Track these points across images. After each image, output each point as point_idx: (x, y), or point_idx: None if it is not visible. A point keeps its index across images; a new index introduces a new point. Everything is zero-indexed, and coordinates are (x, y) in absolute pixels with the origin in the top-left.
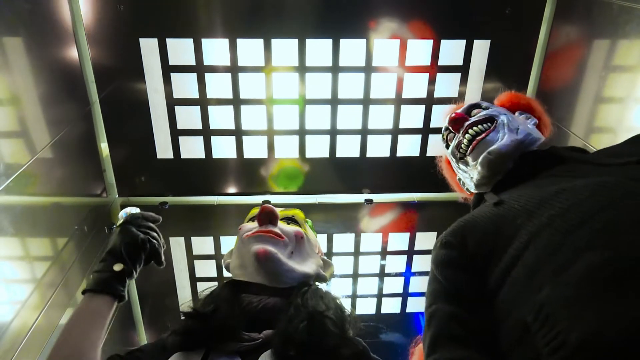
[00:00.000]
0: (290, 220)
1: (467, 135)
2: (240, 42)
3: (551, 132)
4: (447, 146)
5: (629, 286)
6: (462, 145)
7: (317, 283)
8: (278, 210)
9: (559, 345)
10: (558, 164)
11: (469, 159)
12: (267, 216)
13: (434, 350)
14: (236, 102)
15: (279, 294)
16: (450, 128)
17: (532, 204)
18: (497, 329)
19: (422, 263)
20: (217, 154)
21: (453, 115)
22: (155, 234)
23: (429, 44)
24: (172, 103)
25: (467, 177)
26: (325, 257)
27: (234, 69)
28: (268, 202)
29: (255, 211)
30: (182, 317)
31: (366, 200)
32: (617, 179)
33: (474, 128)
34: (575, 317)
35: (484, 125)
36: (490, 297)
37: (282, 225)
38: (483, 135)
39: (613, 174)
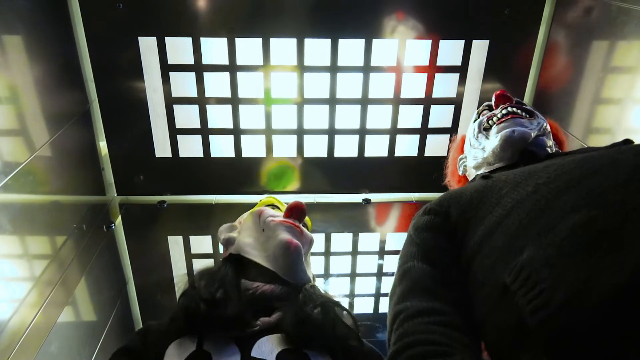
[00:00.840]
0: (304, 224)
1: (504, 111)
2: (239, 41)
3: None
4: (477, 118)
5: (616, 241)
6: (494, 118)
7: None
8: None
9: (543, 304)
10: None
11: (494, 129)
12: (299, 212)
13: (405, 299)
14: (235, 101)
15: (276, 282)
16: (491, 105)
17: (520, 176)
18: (473, 297)
19: None
20: (215, 153)
21: (502, 90)
22: None
23: (427, 44)
24: (170, 102)
25: (477, 151)
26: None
27: (233, 68)
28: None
29: (271, 201)
30: (188, 302)
31: (364, 200)
32: (604, 152)
33: (514, 109)
34: (559, 276)
35: (524, 113)
36: (466, 266)
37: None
38: (518, 116)
39: (600, 150)
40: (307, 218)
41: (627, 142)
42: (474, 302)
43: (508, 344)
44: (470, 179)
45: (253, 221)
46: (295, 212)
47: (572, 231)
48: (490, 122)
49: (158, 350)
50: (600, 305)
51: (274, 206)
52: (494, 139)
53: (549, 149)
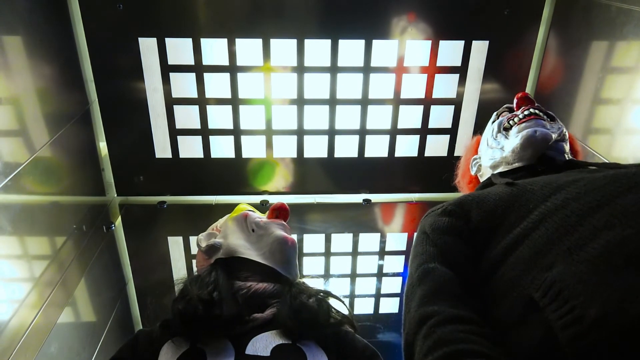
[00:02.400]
0: None
1: (526, 112)
2: (239, 42)
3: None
4: (494, 122)
5: None
6: (516, 118)
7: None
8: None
9: (574, 320)
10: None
11: (515, 129)
12: (284, 214)
13: (431, 302)
14: (235, 101)
15: (268, 280)
16: (512, 107)
17: (548, 189)
18: (495, 306)
19: None
20: (215, 153)
21: (523, 93)
22: None
23: (427, 44)
24: (170, 102)
25: (495, 150)
26: None
27: (233, 69)
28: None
29: (245, 207)
30: (184, 306)
31: (364, 200)
32: (637, 169)
33: (537, 111)
34: (592, 293)
35: (546, 116)
36: (485, 275)
37: None
38: (540, 118)
39: (631, 168)
40: None
41: None
42: (498, 309)
43: (533, 358)
44: (482, 179)
45: (238, 225)
46: (282, 212)
47: (605, 249)
48: (511, 122)
49: (151, 354)
50: (634, 324)
51: (251, 211)
52: (515, 138)
53: (566, 155)
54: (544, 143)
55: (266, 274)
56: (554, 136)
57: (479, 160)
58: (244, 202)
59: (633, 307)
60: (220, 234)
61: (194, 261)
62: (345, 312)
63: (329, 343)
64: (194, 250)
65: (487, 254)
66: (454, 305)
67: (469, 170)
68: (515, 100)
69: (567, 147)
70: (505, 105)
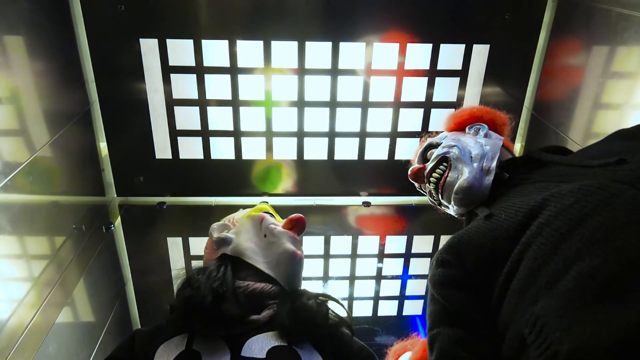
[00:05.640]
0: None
1: (430, 185)
2: (240, 43)
3: (511, 124)
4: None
5: (615, 295)
6: (433, 193)
7: None
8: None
9: (551, 356)
10: (540, 167)
11: (444, 202)
12: (300, 228)
13: None
14: (235, 103)
15: (266, 281)
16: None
17: (522, 214)
18: (502, 343)
19: (419, 266)
20: (215, 154)
21: (410, 172)
22: None
23: (428, 48)
24: (171, 103)
25: (452, 210)
26: None
27: (234, 71)
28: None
29: (267, 208)
30: (190, 294)
31: (364, 202)
32: (599, 181)
33: (434, 175)
34: (566, 328)
35: (441, 167)
36: (494, 314)
37: None
38: (442, 180)
39: (596, 176)
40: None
41: (621, 161)
42: (500, 346)
43: None
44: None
45: (253, 226)
46: (298, 226)
47: (577, 282)
48: (434, 198)
49: (147, 355)
50: (605, 358)
51: (270, 214)
52: (454, 207)
53: (486, 145)
54: (471, 192)
55: (266, 280)
56: (470, 174)
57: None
58: (264, 202)
59: (603, 341)
60: (234, 229)
61: (193, 262)
62: (344, 314)
63: (325, 345)
64: (193, 251)
65: (490, 294)
66: None
67: None
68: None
69: (477, 142)
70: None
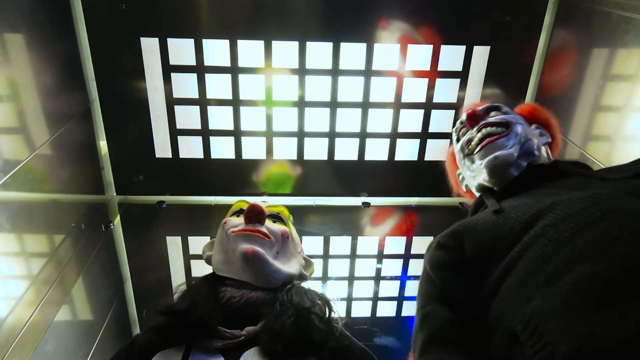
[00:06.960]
0: (276, 217)
1: (479, 134)
2: (241, 43)
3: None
4: (458, 140)
5: (616, 300)
6: (472, 143)
7: (298, 282)
8: (264, 207)
9: (546, 356)
10: (562, 178)
11: (476, 157)
12: (256, 216)
13: (427, 352)
14: (236, 102)
15: (262, 289)
16: (465, 122)
17: (530, 214)
18: (490, 337)
19: (419, 267)
20: (215, 154)
21: (470, 110)
22: None
23: (429, 49)
24: (171, 102)
25: (471, 175)
26: (306, 256)
27: (234, 70)
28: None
29: (240, 205)
30: (160, 315)
31: (364, 203)
32: (611, 191)
33: (488, 128)
34: (564, 330)
35: (499, 128)
36: (486, 304)
37: (268, 224)
38: (494, 137)
39: (609, 187)
40: (281, 208)
41: (638, 176)
42: (490, 339)
43: None
44: (476, 193)
45: (220, 234)
46: (252, 216)
47: (577, 285)
48: (469, 147)
49: None
50: None
51: (242, 210)
52: (480, 167)
53: (543, 149)
54: (507, 166)
55: (252, 287)
56: (515, 152)
57: (465, 180)
58: (241, 200)
59: (599, 344)
60: (216, 239)
61: (192, 261)
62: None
63: (324, 354)
64: (192, 250)
65: (484, 284)
66: (444, 352)
67: (460, 185)
68: (464, 116)
69: (535, 139)
70: (459, 121)
